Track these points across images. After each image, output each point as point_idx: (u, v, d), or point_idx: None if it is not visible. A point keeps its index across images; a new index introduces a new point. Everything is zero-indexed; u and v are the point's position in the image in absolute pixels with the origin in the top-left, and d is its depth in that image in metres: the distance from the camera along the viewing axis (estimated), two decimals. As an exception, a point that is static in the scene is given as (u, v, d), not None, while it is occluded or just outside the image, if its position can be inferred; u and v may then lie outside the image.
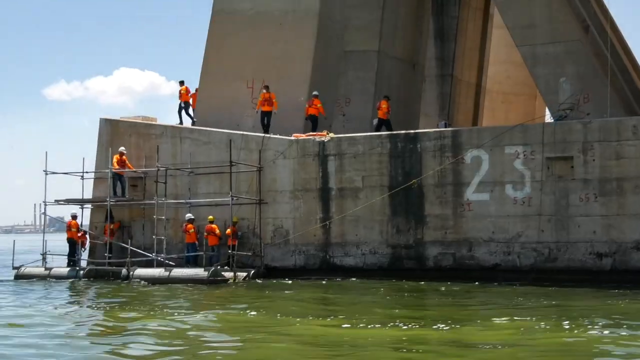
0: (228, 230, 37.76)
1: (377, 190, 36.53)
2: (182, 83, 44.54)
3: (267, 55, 41.54)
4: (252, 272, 37.17)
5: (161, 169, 38.65)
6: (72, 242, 40.06)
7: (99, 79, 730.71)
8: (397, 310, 26.01)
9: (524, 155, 34.32)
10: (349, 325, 22.47)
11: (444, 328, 21.66)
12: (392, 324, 22.50)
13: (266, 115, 39.61)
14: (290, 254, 37.99)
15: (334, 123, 42.31)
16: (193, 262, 37.94)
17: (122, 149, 40.08)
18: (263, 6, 41.88)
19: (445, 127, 38.16)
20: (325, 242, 37.37)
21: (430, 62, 51.26)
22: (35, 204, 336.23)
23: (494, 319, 23.23)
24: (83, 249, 41.36)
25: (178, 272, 36.38)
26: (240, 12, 42.30)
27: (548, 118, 40.33)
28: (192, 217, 38.21)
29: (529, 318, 23.27)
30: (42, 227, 41.66)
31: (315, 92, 39.93)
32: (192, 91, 44.50)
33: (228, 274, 36.30)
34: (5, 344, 20.39)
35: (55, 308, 27.81)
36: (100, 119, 42.08)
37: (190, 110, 44.21)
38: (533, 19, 39.54)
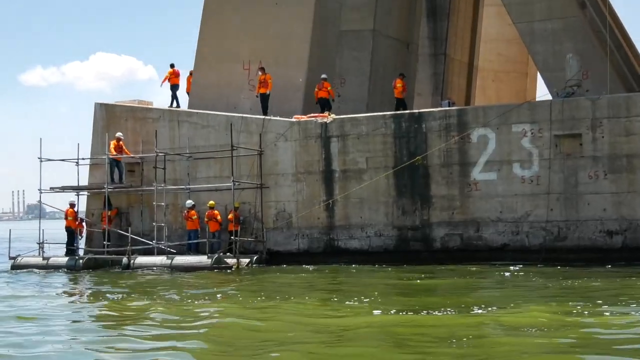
0: (230, 216, 36.92)
1: (381, 171, 35.79)
2: (172, 66, 43.45)
3: (263, 36, 40.67)
4: (255, 257, 36.38)
5: (160, 154, 37.63)
6: (70, 231, 39.02)
7: (75, 64, 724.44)
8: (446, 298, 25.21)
9: (532, 133, 33.69)
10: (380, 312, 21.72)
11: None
12: (459, 308, 21.72)
13: (264, 98, 38.68)
14: (293, 238, 37.23)
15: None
16: (194, 249, 37.04)
17: (119, 134, 39.12)
18: (258, -14, 40.87)
19: (449, 106, 37.29)
20: (329, 225, 36.64)
21: (423, 42, 50.39)
22: (13, 191, 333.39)
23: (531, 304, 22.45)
24: (80, 237, 40.35)
25: (181, 259, 35.59)
26: (235, -9, 41.30)
27: (542, 96, 39.49)
28: (193, 203, 37.29)
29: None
30: (20, 214, 40.31)
31: (324, 75, 39.20)
32: (183, 74, 43.37)
33: (231, 261, 35.43)
34: (24, 333, 19.59)
35: (73, 301, 26.90)
36: (95, 103, 41.11)
37: (177, 93, 43.08)
38: None
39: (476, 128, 34.45)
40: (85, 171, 41.37)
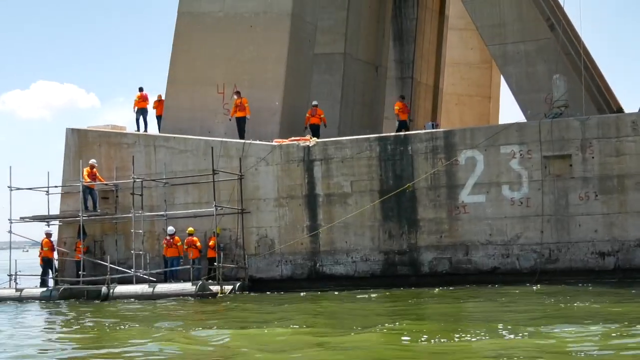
0: (212, 242, 35.61)
1: (366, 195, 34.87)
2: (141, 89, 42.19)
3: (238, 59, 39.61)
4: (238, 284, 35.10)
5: (137, 180, 36.27)
6: (47, 261, 37.30)
7: (16, 93, 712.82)
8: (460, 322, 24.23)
9: (521, 155, 33.08)
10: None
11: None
12: (486, 332, 20.70)
13: (240, 121, 37.60)
14: (275, 264, 36.09)
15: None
16: (173, 277, 35.72)
17: (92, 161, 37.67)
18: (232, 8, 39.92)
19: (433, 128, 36.54)
20: (314, 250, 35.59)
21: (390, 65, 49.77)
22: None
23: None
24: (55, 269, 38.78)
25: (163, 287, 34.24)
26: (208, 14, 40.29)
27: (504, 119, 38.89)
28: (174, 230, 36.01)
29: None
30: (9, 245, 38.67)
31: (315, 102, 38.66)
32: (153, 97, 42.15)
33: (214, 288, 34.14)
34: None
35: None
36: (67, 128, 39.58)
37: (148, 117, 41.86)
38: (503, 17, 38.58)
39: (464, 150, 33.71)
40: (55, 200, 39.77)
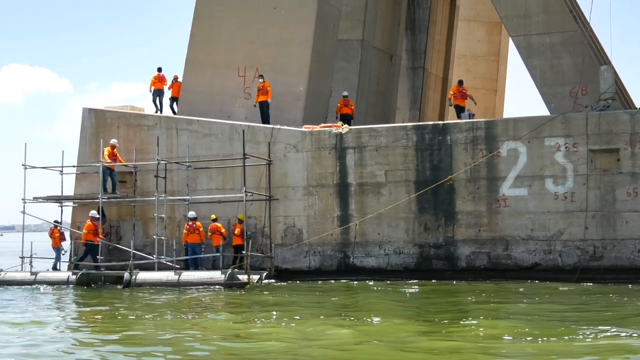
0: (237, 230, 33.48)
1: (401, 185, 32.93)
2: (159, 70, 39.94)
3: (260, 42, 37.45)
4: (265, 274, 32.99)
5: (161, 162, 34.05)
6: (90, 246, 34.48)
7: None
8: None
9: (566, 148, 31.28)
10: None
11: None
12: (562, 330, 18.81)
13: (263, 106, 35.51)
14: (303, 255, 34.04)
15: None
16: (195, 265, 33.57)
17: (114, 141, 35.41)
18: (256, -12, 37.67)
19: (469, 118, 34.67)
20: (344, 241, 33.59)
21: (402, 54, 47.82)
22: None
23: None
24: (63, 253, 36.36)
25: (190, 275, 32.04)
26: (229, -6, 38.01)
27: (508, 114, 37.05)
28: (196, 215, 33.85)
29: None
30: (22, 227, 36.28)
31: (345, 93, 36.80)
32: (170, 79, 39.86)
33: (242, 277, 32.02)
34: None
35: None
36: (84, 108, 37.22)
37: (165, 99, 39.66)
38: (528, 8, 36.65)
39: (506, 141, 31.86)
40: (69, 180, 37.49)
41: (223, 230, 33.80)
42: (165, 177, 34.20)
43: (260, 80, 35.88)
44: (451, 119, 48.24)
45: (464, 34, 53.88)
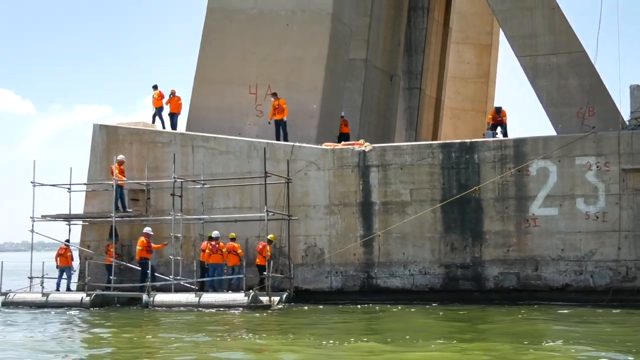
0: (267, 253, 31.26)
1: (427, 204, 31.18)
2: (155, 87, 37.75)
3: (272, 59, 35.60)
4: (285, 295, 30.97)
5: (178, 180, 31.90)
6: (144, 262, 32.04)
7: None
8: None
9: (597, 167, 29.77)
10: None
11: None
12: None
13: (278, 124, 33.61)
14: (325, 275, 32.09)
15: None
16: (216, 286, 31.45)
17: (121, 156, 33.20)
18: (267, 5, 35.93)
19: (493, 136, 33.08)
20: (367, 261, 31.72)
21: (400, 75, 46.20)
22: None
23: None
24: (73, 272, 33.97)
25: (211, 297, 29.93)
26: (240, 11, 36.18)
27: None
28: (219, 234, 31.75)
29: None
30: (31, 246, 33.82)
31: (342, 113, 34.76)
32: (167, 95, 37.64)
33: (264, 299, 29.99)
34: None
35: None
36: (94, 124, 34.94)
37: (164, 115, 37.44)
38: (534, 29, 35.16)
39: (535, 160, 30.26)
40: (77, 198, 35.13)
41: (239, 250, 31.66)
42: (181, 196, 31.97)
43: (273, 98, 33.94)
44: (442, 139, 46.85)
45: (453, 56, 52.45)
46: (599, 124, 31.98)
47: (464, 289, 30.74)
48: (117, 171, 32.47)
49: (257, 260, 31.46)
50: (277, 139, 33.74)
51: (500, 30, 52.43)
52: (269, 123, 34.13)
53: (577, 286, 29.75)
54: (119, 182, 32.27)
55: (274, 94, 34.12)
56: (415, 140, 45.40)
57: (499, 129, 33.79)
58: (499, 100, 53.82)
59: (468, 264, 30.79)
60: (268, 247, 31.25)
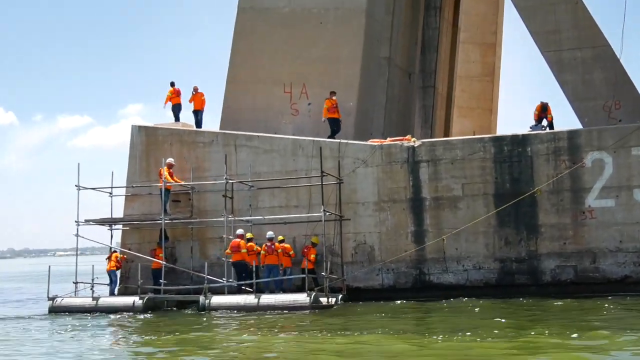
0: (312, 255, 29.26)
1: (480, 198, 29.29)
2: (172, 84, 35.38)
3: (306, 58, 33.62)
4: (340, 296, 28.92)
5: (230, 181, 29.76)
6: (242, 265, 29.61)
7: None
8: None
9: (654, 157, 28.00)
10: None
11: None
12: None
13: (332, 123, 31.60)
14: (375, 273, 30.07)
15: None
16: (273, 288, 29.31)
17: (171, 160, 30.93)
18: (299, 4, 33.91)
19: (542, 129, 31.30)
20: (419, 257, 29.72)
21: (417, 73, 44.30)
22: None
23: None
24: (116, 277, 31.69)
25: (270, 298, 27.79)
26: (272, 10, 34.13)
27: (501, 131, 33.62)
28: (274, 234, 29.63)
29: None
30: (76, 250, 31.41)
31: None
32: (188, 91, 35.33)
33: (323, 299, 27.95)
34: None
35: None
36: (133, 126, 32.65)
37: (180, 112, 35.10)
38: (558, 24, 33.49)
39: (590, 152, 28.49)
40: (99, 200, 32.72)
41: (292, 252, 29.59)
42: (232, 197, 29.85)
43: (334, 97, 31.92)
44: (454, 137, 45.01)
45: (459, 55, 50.62)
46: (626, 116, 30.39)
47: (520, 283, 28.91)
48: (166, 173, 30.12)
49: (303, 263, 29.24)
50: (332, 137, 31.72)
51: (504, 29, 51.33)
52: (324, 121, 32.10)
53: (637, 277, 28.03)
54: (167, 184, 29.92)
55: (333, 93, 32.12)
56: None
57: (544, 122, 31.92)
58: (503, 97, 52.22)
59: (523, 258, 28.94)
60: (313, 251, 29.20)
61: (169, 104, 34.45)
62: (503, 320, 22.23)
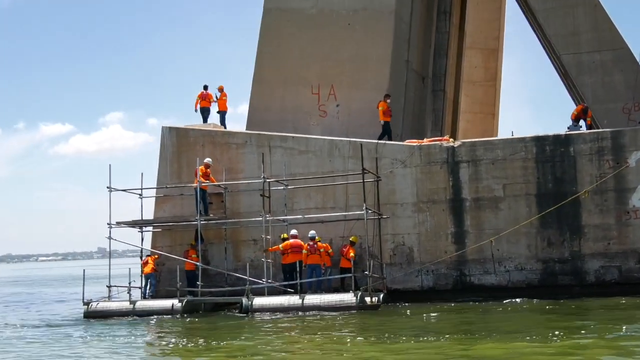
0: (351, 254, 27.57)
1: (521, 199, 27.78)
2: (205, 88, 33.55)
3: (334, 59, 32.03)
4: (381, 295, 27.24)
5: (267, 180, 27.99)
6: (289, 268, 27.76)
7: None
8: None
9: (698, 157, 26.66)
10: None
11: None
12: None
13: (387, 126, 30.05)
14: (415, 274, 28.41)
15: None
16: (316, 288, 27.57)
17: (208, 160, 29.14)
18: (327, 4, 32.33)
19: (578, 129, 29.89)
20: (460, 259, 28.12)
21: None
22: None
23: None
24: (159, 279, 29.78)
25: (315, 298, 26.03)
26: (298, 11, 32.49)
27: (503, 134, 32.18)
28: (316, 234, 27.91)
29: None
30: (109, 253, 29.40)
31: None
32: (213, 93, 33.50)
33: (367, 300, 26.24)
34: None
35: None
36: (163, 127, 30.73)
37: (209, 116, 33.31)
38: (577, 26, 32.28)
39: (634, 151, 27.09)
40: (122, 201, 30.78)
41: (330, 250, 27.89)
42: (269, 197, 28.03)
43: (388, 100, 30.27)
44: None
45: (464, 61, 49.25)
46: None
47: (563, 284, 27.41)
48: (200, 174, 28.27)
49: (342, 262, 27.57)
50: (381, 139, 30.11)
51: (505, 35, 50.01)
52: (381, 123, 30.71)
53: (681, 277, 26.57)
54: (202, 184, 28.08)
55: (387, 96, 30.51)
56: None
57: (582, 122, 30.50)
58: (504, 101, 50.81)
59: (567, 259, 27.45)
60: (352, 250, 27.53)
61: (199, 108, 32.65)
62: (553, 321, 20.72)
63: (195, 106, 32.88)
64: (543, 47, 42.22)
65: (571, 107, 33.81)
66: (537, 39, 40.31)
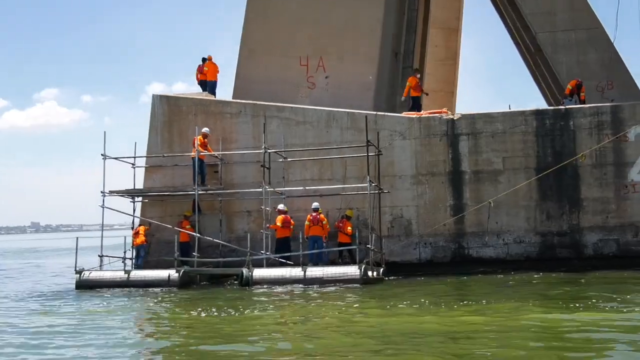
0: (349, 228, 25.94)
1: (521, 172, 26.51)
2: (203, 60, 31.39)
3: (323, 29, 30.20)
4: (382, 269, 25.71)
5: (269, 151, 26.09)
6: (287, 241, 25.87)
7: None
8: None
9: (696, 131, 25.76)
10: None
11: None
12: None
13: (416, 100, 28.33)
14: (413, 247, 26.92)
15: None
16: (317, 261, 25.84)
17: (206, 129, 27.05)
18: (317, -28, 30.28)
19: (575, 103, 28.72)
20: (458, 231, 26.74)
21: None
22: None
23: None
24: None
25: (318, 271, 24.26)
26: (288, -27, 30.45)
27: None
28: (319, 205, 26.17)
29: None
30: (101, 223, 27.09)
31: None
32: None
33: (370, 273, 24.67)
34: None
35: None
36: (154, 95, 28.47)
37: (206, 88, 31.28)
38: (553, 6, 31.22)
39: (634, 126, 26.05)
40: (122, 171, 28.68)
41: (325, 221, 26.18)
42: (269, 168, 26.15)
43: (418, 75, 28.61)
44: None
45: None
46: (618, 96, 28.27)
47: (562, 257, 26.27)
48: (198, 143, 26.22)
49: (339, 237, 25.90)
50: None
51: (464, 14, 48.73)
52: (403, 99, 28.88)
53: (679, 250, 25.68)
54: (201, 154, 26.03)
55: (417, 70, 28.92)
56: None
57: (575, 97, 29.34)
58: (463, 79, 49.71)
59: (565, 232, 26.30)
60: (348, 224, 25.90)
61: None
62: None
63: (197, 77, 30.74)
64: (506, 26, 41.13)
65: (531, 85, 32.76)
66: (499, 19, 39.41)
